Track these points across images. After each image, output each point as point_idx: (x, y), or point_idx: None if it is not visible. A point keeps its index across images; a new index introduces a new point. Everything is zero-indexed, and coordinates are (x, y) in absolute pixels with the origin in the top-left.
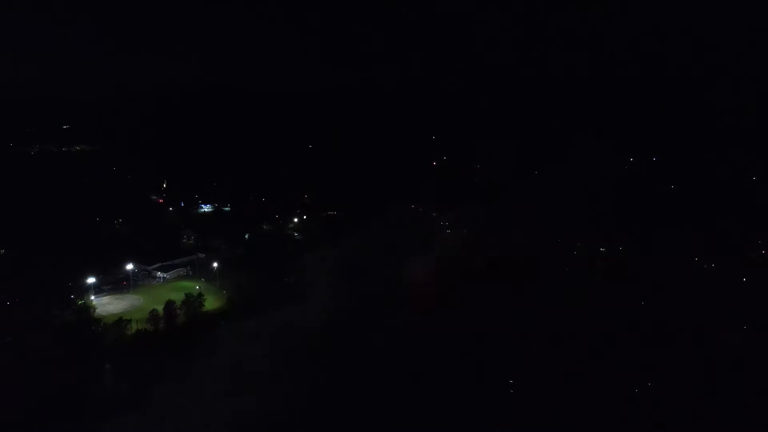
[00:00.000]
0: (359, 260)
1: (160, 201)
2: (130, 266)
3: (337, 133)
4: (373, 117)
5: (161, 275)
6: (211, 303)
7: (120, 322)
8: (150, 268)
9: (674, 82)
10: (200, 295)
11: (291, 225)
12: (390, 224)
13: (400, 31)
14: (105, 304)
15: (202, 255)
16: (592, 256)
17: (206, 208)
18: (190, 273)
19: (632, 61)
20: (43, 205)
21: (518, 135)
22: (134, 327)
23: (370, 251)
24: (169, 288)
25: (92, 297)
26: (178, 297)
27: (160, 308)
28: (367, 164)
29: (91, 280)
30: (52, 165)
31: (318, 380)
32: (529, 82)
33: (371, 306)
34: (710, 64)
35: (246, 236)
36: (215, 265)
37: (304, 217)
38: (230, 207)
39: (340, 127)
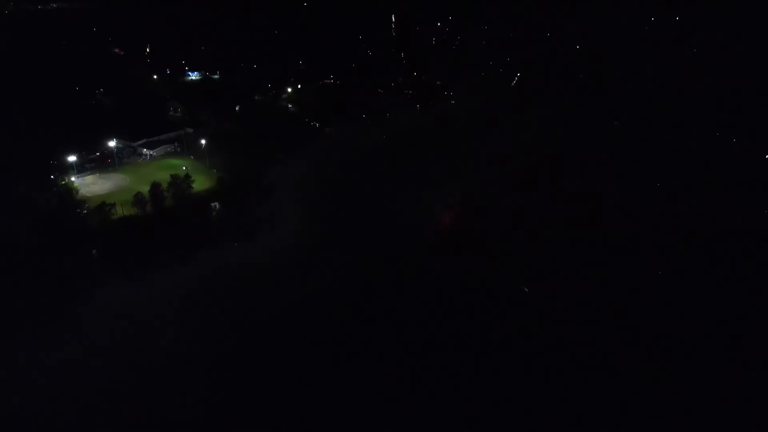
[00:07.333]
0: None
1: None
2: (113, 143)
3: None
4: None
5: (147, 152)
6: (201, 183)
7: (103, 206)
8: (135, 144)
9: None
10: (188, 176)
11: (285, 95)
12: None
13: None
14: (88, 185)
15: (190, 130)
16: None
17: (193, 76)
18: (178, 149)
19: None
20: (16, 72)
21: None
22: (120, 211)
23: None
24: (157, 166)
25: (74, 177)
26: (166, 176)
27: (146, 189)
28: (369, 26)
29: (72, 158)
30: (27, 25)
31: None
32: None
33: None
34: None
35: (236, 108)
36: (203, 141)
37: (299, 86)
38: (219, 74)
39: None
